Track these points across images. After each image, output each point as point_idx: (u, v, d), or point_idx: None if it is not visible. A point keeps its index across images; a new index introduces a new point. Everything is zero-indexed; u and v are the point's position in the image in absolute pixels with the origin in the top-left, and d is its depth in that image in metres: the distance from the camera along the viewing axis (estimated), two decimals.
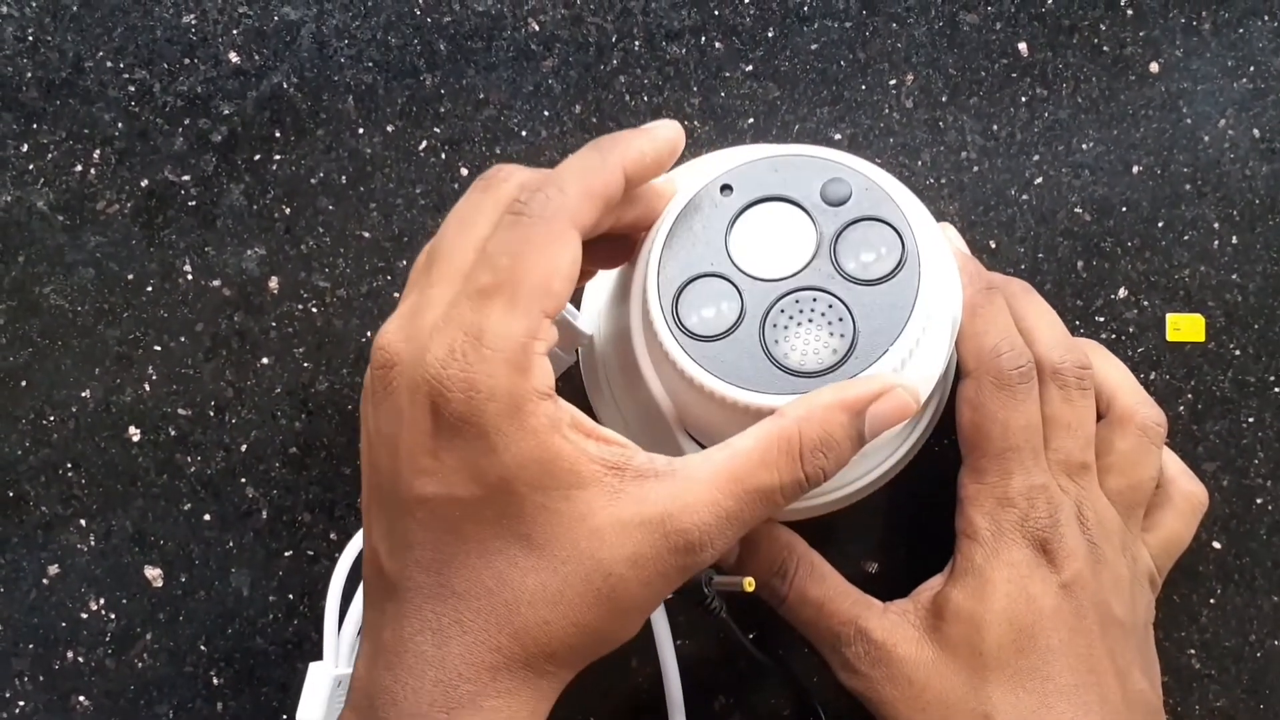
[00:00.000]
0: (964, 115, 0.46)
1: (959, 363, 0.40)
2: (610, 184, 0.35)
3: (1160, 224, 0.46)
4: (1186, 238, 0.46)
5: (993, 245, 0.46)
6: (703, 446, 0.38)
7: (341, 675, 0.44)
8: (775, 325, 0.36)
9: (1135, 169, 0.46)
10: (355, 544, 0.44)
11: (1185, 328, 0.46)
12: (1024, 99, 0.46)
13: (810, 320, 0.36)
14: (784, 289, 0.36)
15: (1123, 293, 0.46)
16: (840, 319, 0.36)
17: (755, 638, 0.45)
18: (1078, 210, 0.46)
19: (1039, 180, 0.46)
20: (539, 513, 0.32)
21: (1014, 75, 0.46)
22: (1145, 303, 0.46)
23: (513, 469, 0.32)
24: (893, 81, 0.46)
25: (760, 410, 0.35)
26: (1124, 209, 0.46)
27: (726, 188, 0.37)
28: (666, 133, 0.37)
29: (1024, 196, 0.46)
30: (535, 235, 0.33)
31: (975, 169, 0.46)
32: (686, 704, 0.43)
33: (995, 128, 0.46)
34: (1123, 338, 0.46)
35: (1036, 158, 0.46)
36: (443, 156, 0.46)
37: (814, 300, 0.36)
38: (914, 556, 0.45)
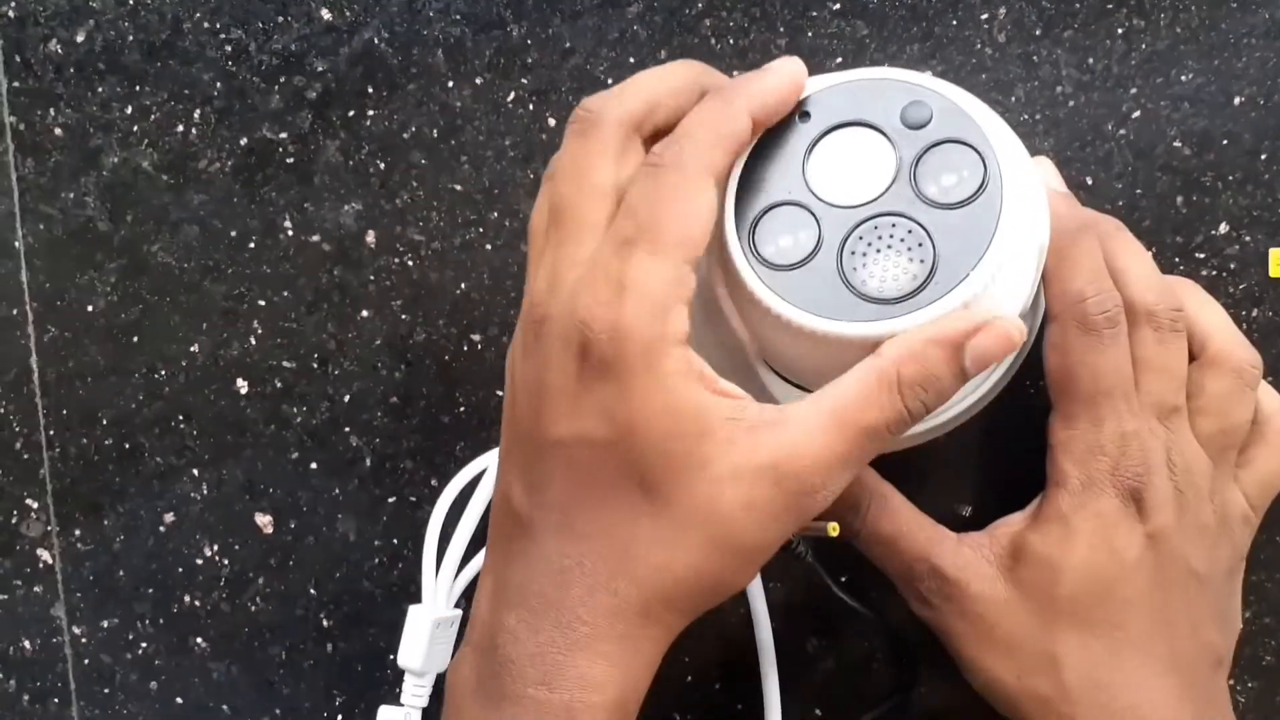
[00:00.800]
0: (1058, 49, 0.45)
1: (1046, 306, 0.39)
2: (739, 130, 0.35)
3: (1264, 156, 0.45)
4: None
5: (1089, 182, 0.45)
6: (785, 380, 0.38)
7: (441, 618, 0.45)
8: (854, 252, 0.35)
9: (1237, 100, 0.45)
10: (452, 489, 0.45)
11: None
12: (1120, 30, 0.45)
13: (889, 246, 0.35)
14: (862, 215, 0.36)
15: (1224, 228, 0.45)
16: (920, 244, 0.35)
17: (846, 580, 0.46)
18: (1177, 144, 0.45)
19: (1137, 114, 0.45)
20: (660, 460, 0.33)
21: (1109, 6, 0.45)
22: (1247, 238, 0.45)
23: (642, 414, 0.33)
24: (984, 15, 0.45)
25: (839, 339, 0.35)
26: (1225, 142, 0.45)
27: (805, 114, 0.37)
28: (789, 70, 0.36)
29: (1121, 131, 0.45)
30: (673, 185, 0.34)
31: (1070, 104, 0.45)
32: (777, 647, 0.43)
33: (1091, 61, 0.45)
34: (1224, 274, 0.45)
35: (1134, 91, 0.45)
36: (530, 107, 0.47)
37: (893, 226, 0.35)
38: (1007, 501, 0.45)
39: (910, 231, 0.35)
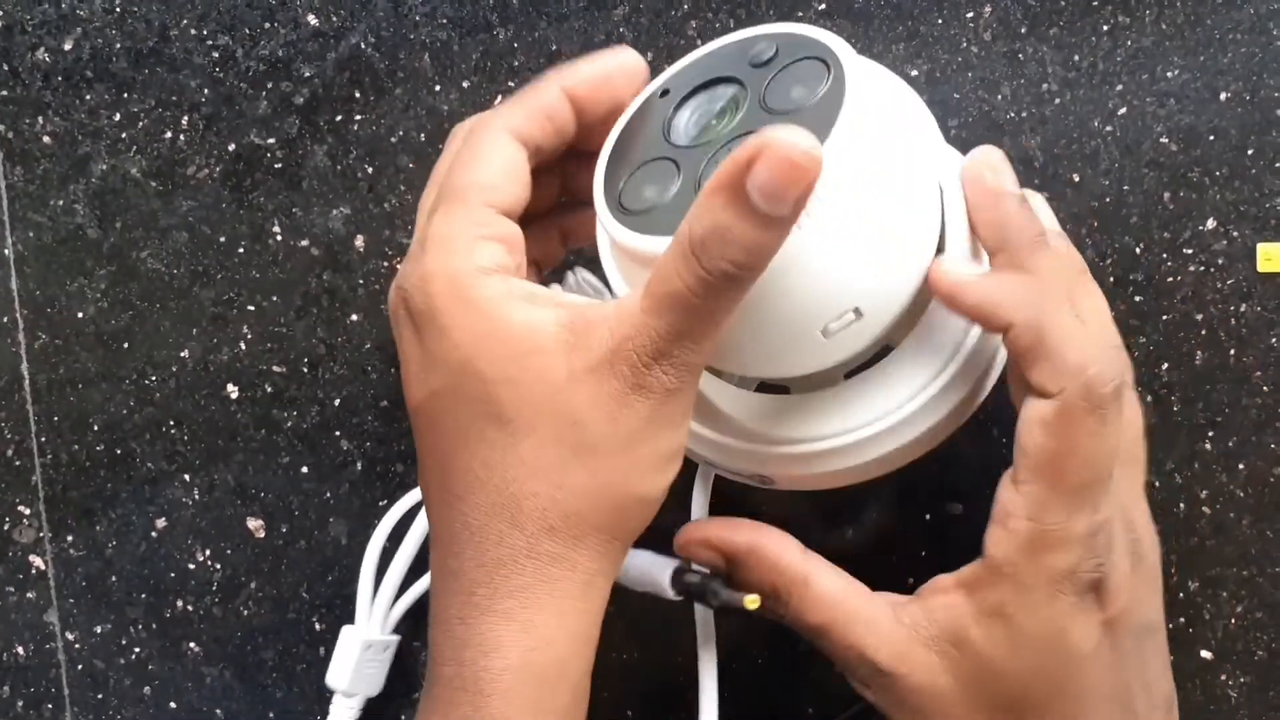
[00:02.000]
0: (1044, 46, 0.45)
1: (1032, 378, 0.34)
2: (545, 97, 0.36)
3: (1250, 151, 0.45)
4: (1278, 165, 0.45)
5: (1076, 179, 0.45)
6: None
7: (372, 640, 0.45)
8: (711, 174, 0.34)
9: (1223, 95, 0.45)
10: (395, 513, 0.46)
11: (1276, 257, 0.45)
12: (1105, 27, 0.45)
13: None
14: (718, 146, 0.35)
15: (1211, 223, 0.45)
16: None
17: None
18: (1163, 140, 0.45)
19: (1123, 111, 0.45)
20: (502, 386, 0.32)
21: (1094, 3, 0.45)
22: (1235, 233, 0.45)
23: (469, 347, 0.33)
24: (970, 14, 0.45)
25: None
26: (1212, 137, 0.45)
27: (664, 92, 0.37)
28: (615, 55, 0.37)
29: (1108, 128, 0.45)
30: (466, 146, 0.35)
31: (1057, 101, 0.45)
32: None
33: (1076, 58, 0.45)
34: (1211, 270, 0.45)
35: (1120, 87, 0.45)
36: None
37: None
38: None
39: None
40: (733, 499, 0.43)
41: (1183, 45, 0.45)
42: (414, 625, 0.47)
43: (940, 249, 0.36)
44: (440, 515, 0.34)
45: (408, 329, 0.34)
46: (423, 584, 0.46)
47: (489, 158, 0.35)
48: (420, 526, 0.45)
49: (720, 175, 0.30)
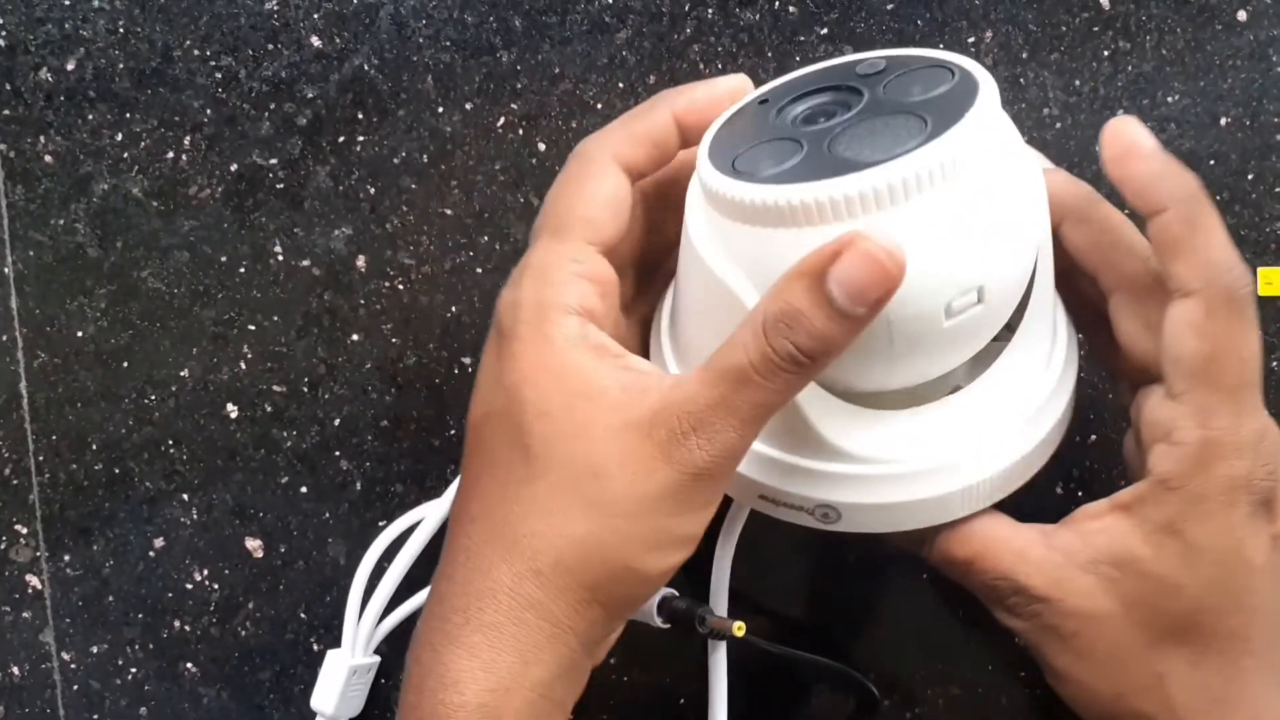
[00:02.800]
0: (1045, 71, 0.45)
1: (1176, 279, 0.33)
2: (654, 123, 0.36)
3: (1250, 176, 0.45)
4: (1278, 190, 0.45)
5: None
6: None
7: (358, 665, 0.45)
8: (840, 144, 0.32)
9: (1223, 121, 0.45)
10: (385, 538, 0.46)
11: (1277, 282, 0.45)
12: (1106, 53, 0.45)
13: (874, 129, 0.32)
14: (842, 127, 0.33)
15: None
16: (906, 118, 0.32)
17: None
18: None
19: None
20: (540, 420, 0.32)
21: (1095, 29, 0.45)
22: None
23: (526, 373, 0.33)
24: (971, 39, 0.46)
25: (815, 204, 0.30)
26: (1212, 162, 0.45)
27: (764, 100, 0.36)
28: (726, 81, 0.37)
29: None
30: (575, 172, 0.36)
31: (1058, 126, 0.45)
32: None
33: (1077, 83, 0.45)
34: None
35: (1121, 112, 0.45)
36: (520, 132, 0.47)
37: (874, 121, 0.32)
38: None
39: (894, 117, 0.32)
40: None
41: (1183, 71, 0.45)
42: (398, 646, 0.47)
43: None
44: (452, 533, 0.34)
45: (492, 344, 0.35)
46: (410, 603, 0.46)
47: (595, 189, 0.35)
48: (411, 549, 0.45)
49: (805, 261, 0.30)
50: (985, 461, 0.35)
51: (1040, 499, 0.37)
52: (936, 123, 0.31)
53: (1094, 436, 0.46)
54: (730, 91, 0.36)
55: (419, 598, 0.45)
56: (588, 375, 0.33)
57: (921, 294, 0.31)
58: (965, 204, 0.31)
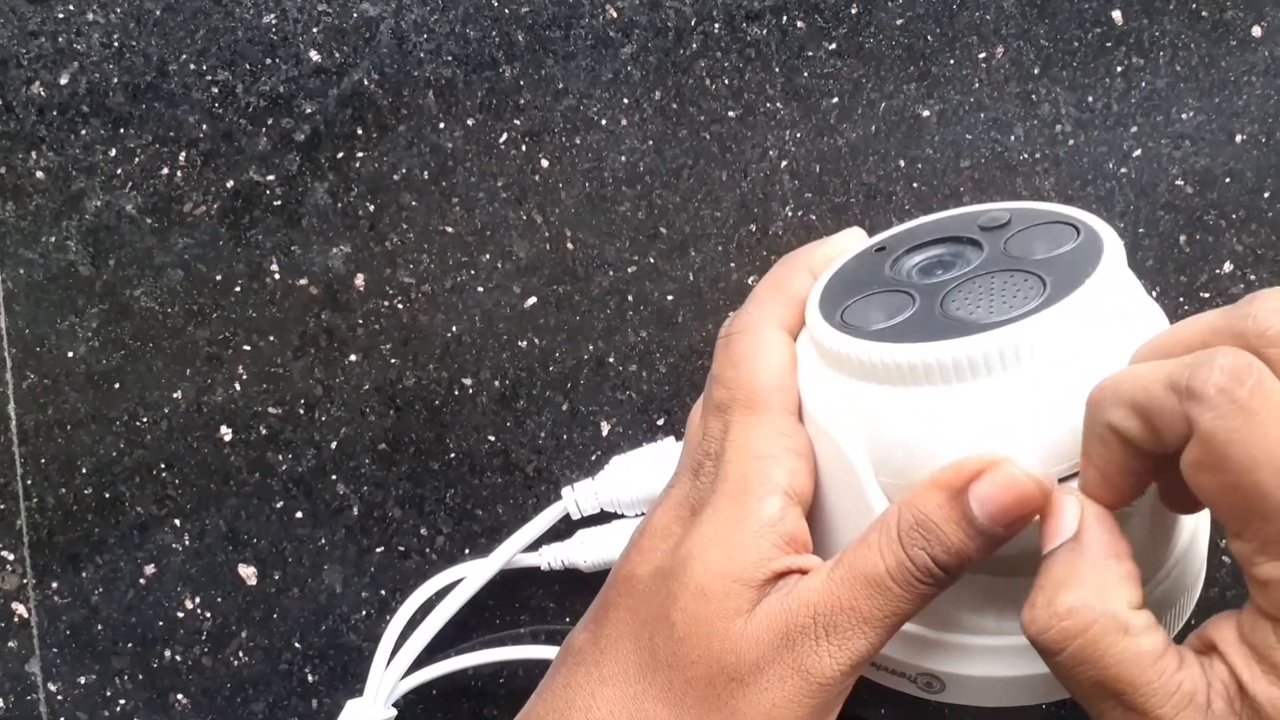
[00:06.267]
0: (1057, 87, 0.45)
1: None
2: (800, 286, 0.36)
3: (1266, 194, 0.44)
4: None
5: None
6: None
7: (379, 718, 0.44)
8: (953, 302, 0.32)
9: (1239, 138, 0.44)
10: (424, 592, 0.45)
11: None
12: (1119, 69, 0.45)
13: (992, 289, 0.32)
14: (958, 279, 0.32)
15: (1228, 267, 0.44)
16: (1025, 279, 0.31)
17: None
18: (1179, 183, 0.44)
19: (1138, 152, 0.44)
20: (694, 603, 0.32)
21: (1108, 44, 0.45)
22: (1252, 276, 0.44)
23: (702, 547, 0.33)
24: (982, 54, 0.45)
25: (928, 363, 0.30)
26: (1228, 180, 0.44)
27: (880, 248, 0.36)
28: (847, 235, 0.38)
29: (1122, 170, 0.44)
30: (749, 345, 0.35)
31: (1071, 142, 0.45)
32: None
33: (1090, 99, 0.45)
34: None
35: (1134, 129, 0.44)
36: (523, 148, 0.46)
37: (992, 278, 0.32)
38: None
39: (1011, 276, 0.32)
40: None
41: (1197, 87, 0.44)
42: (418, 705, 0.45)
43: None
44: (572, 670, 0.34)
45: (679, 493, 0.35)
46: (436, 668, 0.45)
47: (778, 358, 0.35)
48: (447, 608, 0.44)
49: (944, 473, 0.30)
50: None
51: None
52: (1056, 285, 0.31)
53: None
54: (848, 236, 0.38)
55: (450, 663, 0.45)
56: (755, 563, 0.32)
57: (1034, 463, 0.30)
58: (1082, 371, 0.30)
